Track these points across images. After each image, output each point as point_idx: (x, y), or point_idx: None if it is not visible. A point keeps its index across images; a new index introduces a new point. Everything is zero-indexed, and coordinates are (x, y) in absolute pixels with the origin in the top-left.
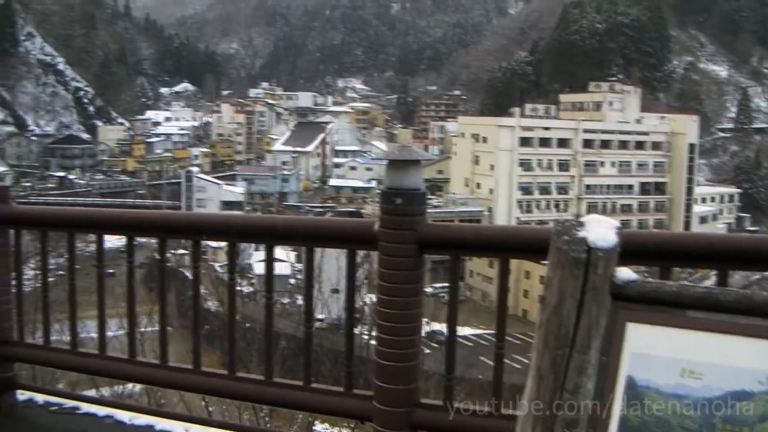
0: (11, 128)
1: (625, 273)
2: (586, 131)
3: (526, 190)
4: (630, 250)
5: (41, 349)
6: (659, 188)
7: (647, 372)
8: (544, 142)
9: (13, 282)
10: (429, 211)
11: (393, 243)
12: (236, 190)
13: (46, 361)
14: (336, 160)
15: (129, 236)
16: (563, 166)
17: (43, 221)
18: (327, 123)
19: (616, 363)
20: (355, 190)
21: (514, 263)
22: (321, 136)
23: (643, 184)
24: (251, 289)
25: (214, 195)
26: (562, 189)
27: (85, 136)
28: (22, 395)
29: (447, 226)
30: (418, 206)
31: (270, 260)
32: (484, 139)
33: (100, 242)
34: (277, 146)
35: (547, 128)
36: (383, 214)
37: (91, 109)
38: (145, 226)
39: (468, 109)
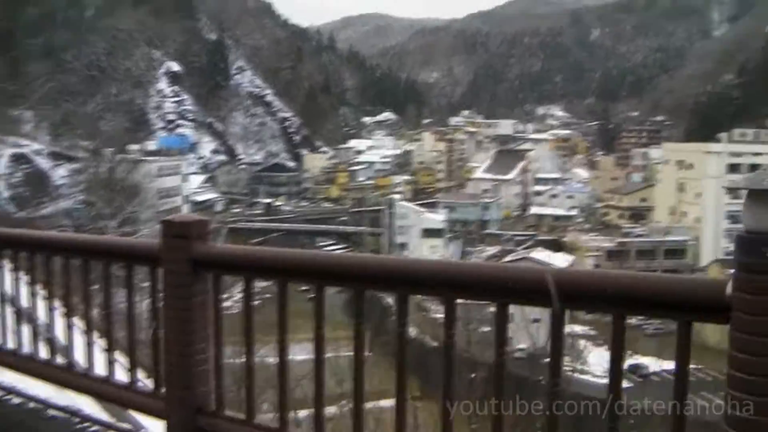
0: (223, 157)
1: None
2: None
3: (734, 218)
4: None
5: (243, 424)
6: None
7: None
8: (754, 169)
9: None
10: (632, 240)
11: (758, 315)
12: (437, 218)
13: None
14: (537, 188)
15: (357, 290)
16: None
17: (249, 265)
18: (527, 150)
19: None
20: (557, 218)
21: None
22: (522, 163)
23: None
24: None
25: (415, 222)
26: None
27: (291, 164)
28: None
29: None
30: None
31: (502, 322)
32: (690, 166)
33: (319, 295)
34: (478, 174)
35: (757, 154)
36: (742, 272)
37: (297, 138)
38: (381, 278)
39: (671, 136)
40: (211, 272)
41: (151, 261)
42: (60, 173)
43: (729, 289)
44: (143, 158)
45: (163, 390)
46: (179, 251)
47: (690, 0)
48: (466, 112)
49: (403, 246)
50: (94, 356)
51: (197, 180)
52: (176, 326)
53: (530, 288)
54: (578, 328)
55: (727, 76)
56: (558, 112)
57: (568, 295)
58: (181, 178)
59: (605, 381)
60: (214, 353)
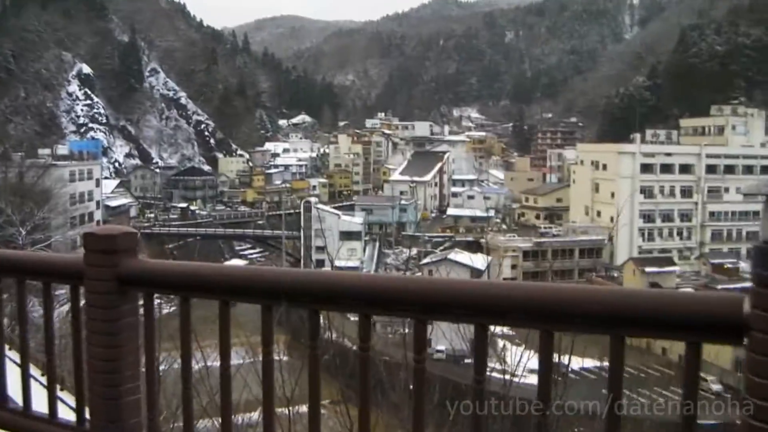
0: (136, 161)
1: None
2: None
3: (647, 217)
4: None
5: None
6: None
7: None
8: (666, 169)
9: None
10: (547, 240)
11: None
12: (355, 221)
13: None
14: (453, 189)
15: (310, 310)
16: (686, 192)
17: (186, 282)
18: (444, 152)
19: None
20: (474, 219)
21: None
22: (438, 165)
23: None
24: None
25: (333, 225)
26: (685, 216)
27: (206, 168)
28: None
29: None
30: None
31: (481, 345)
32: (604, 166)
33: (266, 317)
34: (395, 176)
35: (669, 154)
36: (761, 287)
37: (212, 141)
38: (337, 296)
39: (585, 136)
40: (141, 290)
41: (72, 278)
42: None
43: (747, 307)
44: (54, 163)
45: (88, 423)
46: (104, 268)
47: (601, 4)
48: (382, 115)
49: (321, 249)
50: (7, 384)
51: (111, 185)
52: (101, 351)
53: (514, 307)
54: (495, 328)
55: (638, 78)
56: (474, 114)
57: (549, 314)
58: (94, 182)
59: (526, 381)
60: (146, 381)
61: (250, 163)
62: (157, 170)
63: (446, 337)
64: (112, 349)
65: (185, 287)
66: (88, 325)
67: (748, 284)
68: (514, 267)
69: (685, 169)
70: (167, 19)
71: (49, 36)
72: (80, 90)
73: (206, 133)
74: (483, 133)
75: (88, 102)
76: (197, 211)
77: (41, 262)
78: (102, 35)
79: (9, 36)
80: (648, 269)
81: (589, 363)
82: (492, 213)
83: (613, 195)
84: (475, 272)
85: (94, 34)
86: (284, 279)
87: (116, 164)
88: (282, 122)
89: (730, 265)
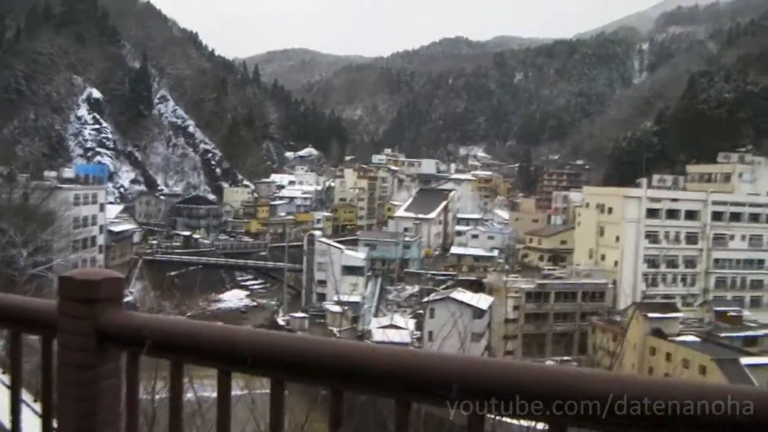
0: (142, 187)
1: None
2: (715, 203)
3: (652, 262)
4: None
5: None
6: None
7: None
8: (672, 214)
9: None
10: (550, 282)
11: None
12: (357, 255)
13: None
14: (458, 227)
15: (334, 389)
16: (691, 238)
17: (180, 343)
18: (449, 190)
19: None
20: (477, 258)
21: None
22: (443, 203)
23: None
24: None
25: (335, 259)
26: (690, 262)
27: (211, 196)
28: None
29: None
30: None
31: None
32: (610, 210)
33: (276, 393)
34: (399, 212)
35: (675, 200)
36: None
37: (218, 170)
38: (371, 374)
39: (591, 179)
40: (124, 350)
41: (44, 327)
42: None
43: None
44: (59, 185)
45: None
46: (81, 320)
47: (611, 48)
48: (388, 150)
49: (322, 283)
50: None
51: (115, 210)
52: (74, 420)
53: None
54: None
55: (646, 123)
56: (480, 153)
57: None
58: (99, 207)
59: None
60: None
61: (255, 194)
62: (162, 197)
63: None
64: (87, 416)
65: (179, 350)
66: (59, 388)
67: (750, 333)
68: (516, 308)
69: (691, 215)
70: (179, 47)
71: (60, 60)
72: (89, 114)
73: (212, 162)
74: (489, 173)
75: (97, 126)
76: (200, 240)
77: (9, 307)
78: (113, 60)
79: (21, 58)
80: (651, 315)
81: None
82: (496, 253)
83: (618, 239)
84: (478, 312)
85: (106, 59)
86: (300, 348)
87: (121, 189)
88: (289, 154)
89: (733, 313)
